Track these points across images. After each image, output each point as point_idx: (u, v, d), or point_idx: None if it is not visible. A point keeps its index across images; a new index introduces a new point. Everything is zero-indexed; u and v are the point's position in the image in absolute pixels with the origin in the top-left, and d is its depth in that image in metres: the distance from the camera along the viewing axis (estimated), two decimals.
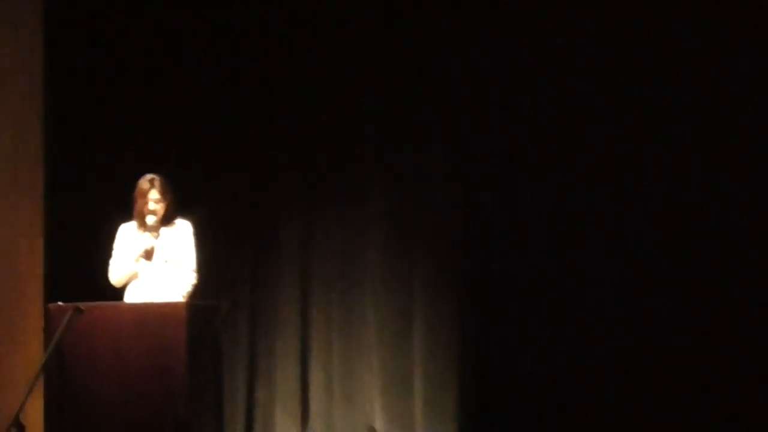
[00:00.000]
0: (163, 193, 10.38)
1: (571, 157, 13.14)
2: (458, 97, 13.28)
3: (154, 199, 10.38)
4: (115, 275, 10.47)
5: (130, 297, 10.54)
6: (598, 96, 13.01)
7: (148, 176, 10.52)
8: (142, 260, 10.36)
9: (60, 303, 10.18)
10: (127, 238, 10.61)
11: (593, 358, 12.58)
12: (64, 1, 14.29)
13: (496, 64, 13.39)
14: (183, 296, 10.47)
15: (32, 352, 11.83)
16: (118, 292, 10.66)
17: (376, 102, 13.41)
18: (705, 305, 12.36)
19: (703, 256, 12.49)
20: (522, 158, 13.14)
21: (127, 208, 10.74)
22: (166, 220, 10.43)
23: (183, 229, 10.49)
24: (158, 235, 10.46)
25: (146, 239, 10.47)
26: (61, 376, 10.14)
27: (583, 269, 12.67)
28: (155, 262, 10.44)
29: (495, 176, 13.12)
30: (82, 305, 9.93)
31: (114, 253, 10.55)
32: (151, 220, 10.35)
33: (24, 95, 13.44)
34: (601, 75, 13.12)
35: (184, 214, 10.69)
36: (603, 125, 12.91)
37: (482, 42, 13.44)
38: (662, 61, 13.13)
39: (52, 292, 11.72)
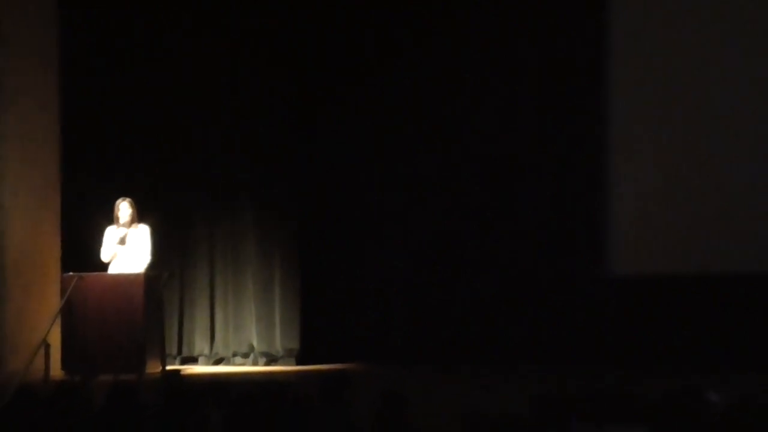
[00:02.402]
0: (129, 207, 12.82)
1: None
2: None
3: (123, 212, 12.83)
4: (104, 256, 12.86)
5: (112, 269, 12.89)
6: None
7: (120, 199, 12.89)
8: (119, 246, 12.80)
9: (70, 273, 12.75)
10: (110, 234, 12.84)
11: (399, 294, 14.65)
12: (78, 18, 14.79)
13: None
14: (141, 269, 12.81)
15: (53, 304, 13.21)
16: (105, 267, 12.92)
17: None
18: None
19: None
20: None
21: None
22: (131, 224, 12.88)
23: (142, 229, 12.91)
24: (127, 232, 12.80)
25: (121, 232, 12.83)
26: (69, 317, 12.63)
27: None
28: (126, 248, 12.81)
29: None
30: (83, 274, 12.61)
31: (103, 243, 12.85)
32: (123, 219, 12.83)
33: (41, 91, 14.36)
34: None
35: (143, 220, 12.97)
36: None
37: None
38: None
39: (65, 266, 13.59)
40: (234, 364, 14.58)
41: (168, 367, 13.25)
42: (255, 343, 14.64)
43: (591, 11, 14.50)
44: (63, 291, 12.79)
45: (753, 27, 14.20)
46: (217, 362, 14.65)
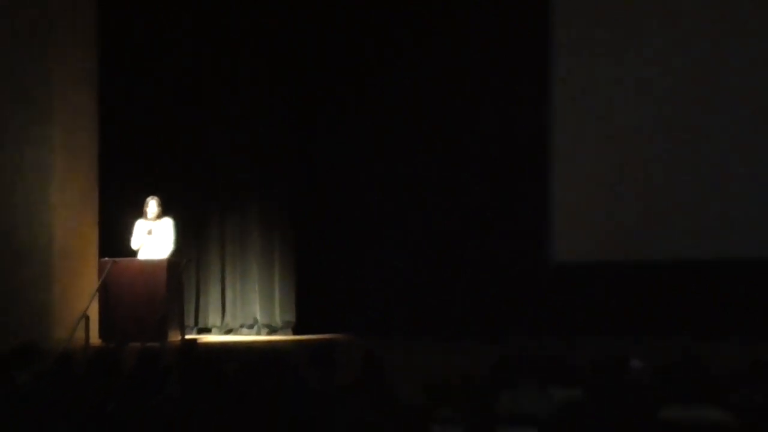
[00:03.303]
0: (156, 205, 12.83)
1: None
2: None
3: (151, 208, 12.86)
4: (134, 245, 12.83)
5: (140, 256, 12.83)
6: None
7: (149, 197, 12.91)
8: (147, 236, 12.80)
9: (106, 258, 12.82)
10: (139, 226, 12.82)
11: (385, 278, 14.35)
12: (114, 41, 14.51)
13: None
14: (165, 256, 12.74)
15: (92, 284, 13.12)
16: (135, 253, 12.87)
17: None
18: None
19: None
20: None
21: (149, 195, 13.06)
22: (158, 217, 12.87)
23: (167, 222, 12.87)
24: (153, 225, 12.82)
25: (148, 225, 12.85)
26: (105, 295, 12.60)
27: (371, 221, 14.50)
28: (153, 238, 12.79)
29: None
30: (116, 260, 12.67)
31: (134, 233, 12.82)
32: (151, 214, 12.85)
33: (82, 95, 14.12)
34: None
35: (166, 214, 12.96)
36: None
37: None
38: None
39: (102, 253, 13.55)
40: (241, 334, 14.50)
41: (186, 336, 13.21)
42: (258, 317, 14.61)
43: (535, 16, 14.15)
44: (100, 273, 12.83)
45: (679, 32, 13.85)
46: (227, 332, 14.58)
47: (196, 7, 14.77)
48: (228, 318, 14.70)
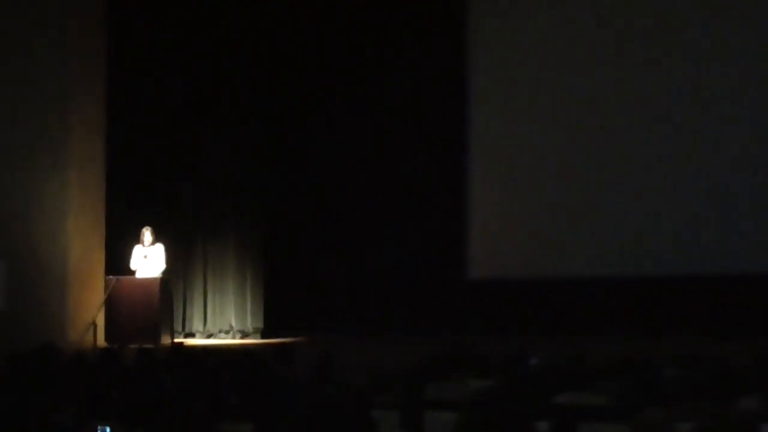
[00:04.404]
0: (150, 234, 12.79)
1: None
2: None
3: (146, 236, 12.79)
4: (133, 265, 12.77)
5: (138, 274, 12.75)
6: None
7: (144, 228, 12.85)
8: (143, 259, 12.77)
9: (110, 276, 12.81)
10: (137, 251, 12.78)
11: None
12: (122, 88, 14.05)
13: None
14: (158, 274, 12.70)
15: (99, 296, 12.92)
16: (133, 273, 12.81)
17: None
18: None
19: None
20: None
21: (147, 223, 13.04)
22: (151, 244, 12.85)
23: (158, 248, 12.86)
24: (148, 250, 12.76)
25: (144, 250, 12.82)
26: (110, 305, 12.61)
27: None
28: (148, 260, 12.78)
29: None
30: (119, 277, 12.69)
31: (132, 256, 12.77)
32: (146, 242, 12.79)
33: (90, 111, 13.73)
34: None
35: (158, 240, 12.91)
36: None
37: None
38: None
39: (107, 271, 13.31)
40: (219, 338, 14.41)
41: (175, 339, 13.12)
42: (233, 323, 14.54)
43: (451, 31, 13.68)
44: (106, 288, 12.81)
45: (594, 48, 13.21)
46: (208, 336, 14.47)
47: (180, 56, 14.54)
48: (209, 324, 14.59)
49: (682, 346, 7.99)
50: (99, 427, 5.17)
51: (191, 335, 14.42)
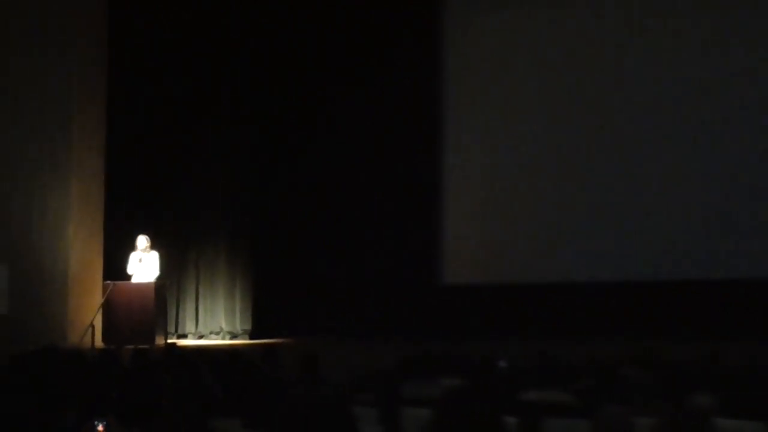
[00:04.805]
0: (146, 241, 12.55)
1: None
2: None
3: (141, 243, 12.54)
4: (129, 271, 12.57)
5: (134, 279, 12.55)
6: None
7: (140, 235, 12.60)
8: (139, 265, 12.54)
9: (108, 281, 12.55)
10: (133, 257, 12.54)
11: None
12: (122, 103, 13.91)
13: None
14: (152, 280, 12.51)
15: (97, 300, 12.76)
16: (129, 278, 12.57)
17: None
18: None
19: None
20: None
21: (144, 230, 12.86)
22: (147, 250, 12.61)
23: (153, 254, 12.66)
24: (143, 256, 12.52)
25: (140, 256, 12.57)
26: (107, 309, 12.33)
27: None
28: (143, 266, 12.56)
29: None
30: (116, 282, 12.42)
31: (129, 262, 12.56)
32: (142, 248, 12.53)
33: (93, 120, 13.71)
34: None
35: (153, 247, 12.68)
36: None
37: None
38: None
39: (105, 277, 13.21)
40: (210, 339, 14.32)
41: (169, 340, 13.03)
42: (223, 325, 14.49)
43: (426, 42, 13.50)
44: (104, 292, 12.59)
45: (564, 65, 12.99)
46: (200, 337, 14.38)
47: (175, 72, 14.38)
48: (200, 326, 14.50)
49: (641, 348, 7.89)
50: (97, 423, 5.15)
51: (184, 336, 14.29)
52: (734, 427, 4.52)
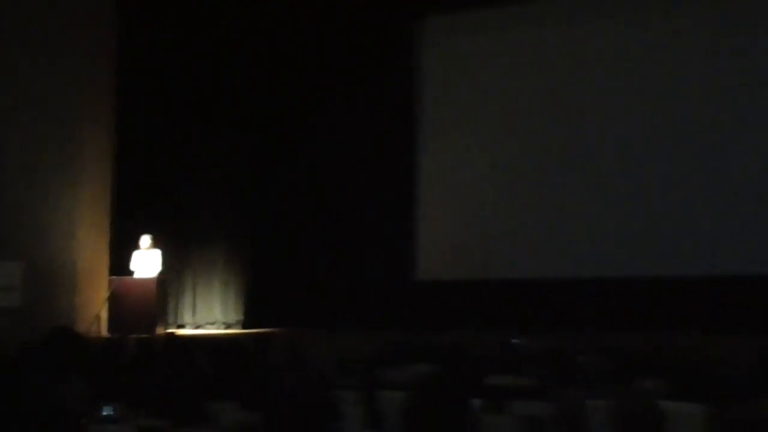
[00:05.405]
0: (149, 240, 12.58)
1: None
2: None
3: (144, 242, 12.60)
4: (133, 267, 12.52)
5: (137, 275, 12.49)
6: None
7: (143, 235, 12.61)
8: (142, 261, 12.53)
9: (113, 276, 12.57)
10: (137, 255, 12.53)
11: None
12: (130, 105, 13.66)
13: None
14: (154, 275, 12.44)
15: (104, 293, 12.79)
16: (133, 273, 12.51)
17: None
18: None
19: None
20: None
21: (150, 230, 12.88)
22: (149, 248, 12.61)
23: (155, 252, 12.62)
24: (146, 254, 12.51)
25: (143, 254, 12.57)
26: (113, 301, 12.31)
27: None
28: (146, 263, 12.53)
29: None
30: (121, 277, 12.42)
31: (132, 259, 12.52)
32: (145, 246, 12.56)
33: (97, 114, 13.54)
34: None
35: (156, 246, 12.66)
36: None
37: None
38: None
39: (111, 272, 13.11)
40: (206, 329, 14.03)
41: (168, 330, 12.91)
42: (218, 316, 14.24)
43: (402, 65, 13.27)
44: (110, 286, 12.58)
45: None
46: (197, 327, 14.07)
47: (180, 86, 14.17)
48: (197, 317, 14.26)
49: (596, 337, 7.90)
50: (104, 407, 5.12)
51: (182, 326, 14.08)
52: (676, 408, 4.46)
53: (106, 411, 5.16)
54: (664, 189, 12.03)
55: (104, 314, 12.38)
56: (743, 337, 8.42)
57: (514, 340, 7.12)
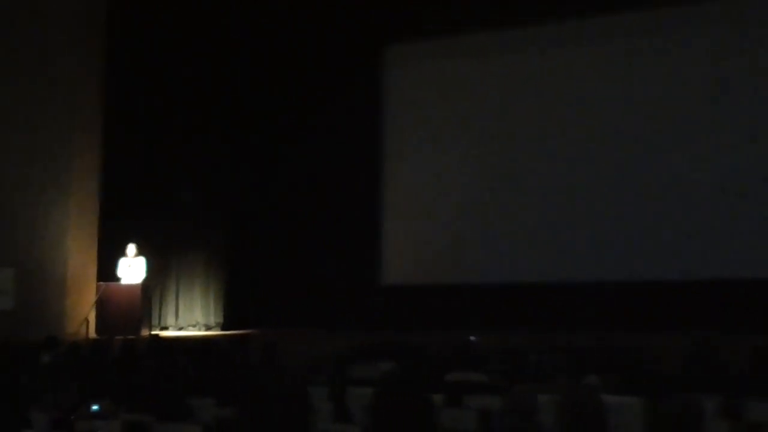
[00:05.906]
0: (134, 248, 12.43)
1: None
2: None
3: (130, 250, 12.44)
4: (119, 274, 12.38)
5: (123, 281, 12.35)
6: None
7: (129, 243, 12.43)
8: (128, 269, 12.39)
9: (101, 282, 12.47)
10: (123, 262, 12.39)
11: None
12: (118, 117, 13.37)
13: None
14: (139, 281, 12.29)
15: (92, 298, 12.58)
16: (119, 279, 12.38)
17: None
18: None
19: None
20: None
21: (138, 235, 12.72)
22: (135, 256, 12.44)
23: (140, 260, 12.47)
24: (132, 262, 12.39)
25: (129, 261, 12.45)
26: (100, 306, 12.21)
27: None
28: (131, 270, 12.40)
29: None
30: (108, 283, 12.27)
31: (119, 266, 12.39)
32: (130, 254, 12.43)
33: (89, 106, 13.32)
34: None
35: (140, 254, 12.50)
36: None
37: None
38: None
39: (99, 278, 12.97)
40: (188, 330, 13.91)
41: (152, 332, 12.67)
42: (199, 319, 14.09)
43: (373, 83, 13.09)
44: (97, 292, 12.46)
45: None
46: (179, 329, 13.96)
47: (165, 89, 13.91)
48: (180, 320, 14.13)
49: (548, 337, 7.97)
50: (92, 404, 5.17)
51: (165, 328, 13.93)
52: (618, 401, 4.54)
53: (94, 407, 5.10)
54: (627, 195, 11.80)
55: (92, 317, 12.26)
56: (676, 336, 8.48)
57: (471, 338, 7.13)
